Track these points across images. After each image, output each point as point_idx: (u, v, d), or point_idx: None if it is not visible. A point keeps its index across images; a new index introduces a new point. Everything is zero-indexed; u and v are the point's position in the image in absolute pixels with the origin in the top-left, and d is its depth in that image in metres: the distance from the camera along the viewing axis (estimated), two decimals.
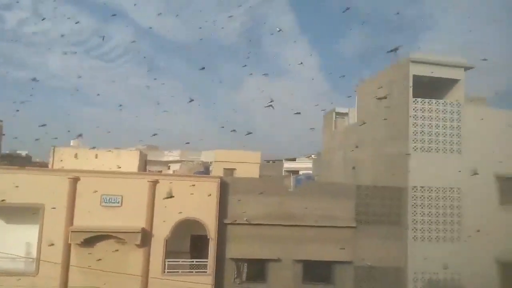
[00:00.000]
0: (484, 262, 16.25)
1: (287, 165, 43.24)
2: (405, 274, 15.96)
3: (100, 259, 14.18)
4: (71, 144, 20.65)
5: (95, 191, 14.40)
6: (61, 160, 18.13)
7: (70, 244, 14.30)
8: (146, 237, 14.64)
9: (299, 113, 15.71)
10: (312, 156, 39.22)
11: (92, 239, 14.33)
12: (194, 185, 15.05)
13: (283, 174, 38.92)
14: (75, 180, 14.64)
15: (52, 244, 13.89)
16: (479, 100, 19.45)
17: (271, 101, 13.85)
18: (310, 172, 35.04)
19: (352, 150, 21.13)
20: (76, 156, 17.60)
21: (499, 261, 16.40)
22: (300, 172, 36.79)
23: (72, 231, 14.18)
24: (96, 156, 18.00)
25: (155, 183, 15.06)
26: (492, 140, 16.85)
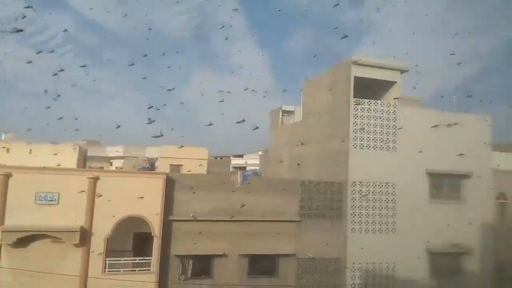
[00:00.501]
0: (416, 252, 17.52)
1: (235, 161, 43.48)
2: (344, 265, 16.77)
3: (34, 260, 13.40)
4: (3, 138, 19.19)
5: (29, 189, 13.56)
6: None
7: (0, 245, 13.37)
8: (85, 236, 14.05)
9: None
10: (260, 152, 39.75)
11: (26, 239, 13.48)
12: (139, 181, 14.68)
13: (231, 170, 39.08)
14: (7, 176, 13.67)
15: None
16: (414, 101, 20.88)
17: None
18: (257, 168, 35.51)
19: (297, 145, 21.73)
20: (8, 151, 16.39)
21: (429, 251, 17.76)
22: (248, 168, 37.15)
23: (2, 231, 13.26)
24: (31, 151, 16.90)
25: (95, 180, 14.48)
26: (425, 138, 18.15)
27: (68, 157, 17.36)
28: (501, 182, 19.67)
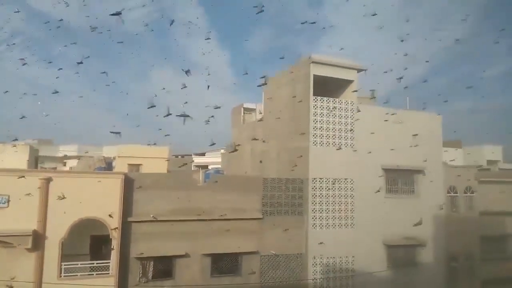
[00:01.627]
0: (373, 245, 18.17)
1: (197, 160, 42.94)
2: (306, 259, 17.09)
3: None
4: None
5: None
6: None
7: None
8: (38, 240, 13.35)
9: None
10: (222, 150, 39.54)
11: None
12: (98, 181, 14.13)
13: (193, 169, 38.57)
14: None
15: None
16: (370, 99, 21.59)
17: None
18: (219, 166, 35.31)
19: (258, 139, 21.82)
20: None
21: (386, 244, 18.49)
22: (210, 167, 36.85)
23: None
24: None
25: (48, 180, 13.78)
26: (380, 135, 18.83)
27: (18, 156, 16.38)
28: (451, 177, 20.83)
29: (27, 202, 13.30)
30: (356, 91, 18.96)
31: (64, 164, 29.97)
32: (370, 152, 18.15)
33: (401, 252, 18.92)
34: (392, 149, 18.79)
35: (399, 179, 19.65)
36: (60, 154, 30.71)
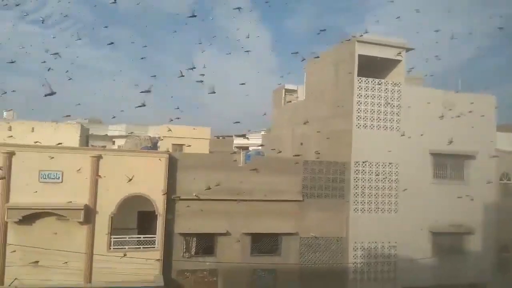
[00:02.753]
0: (418, 232, 17.62)
1: (237, 141, 43.32)
2: (346, 243, 16.92)
3: (40, 238, 13.57)
4: (4, 116, 19.11)
5: (33, 167, 13.59)
6: None
7: (6, 222, 13.51)
8: (89, 214, 14.17)
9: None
10: (262, 132, 39.59)
11: (31, 217, 13.63)
12: (142, 160, 14.66)
13: (233, 150, 39.02)
14: (10, 154, 13.69)
15: None
16: (417, 79, 20.59)
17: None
18: (260, 148, 35.46)
19: (305, 123, 21.60)
20: (10, 129, 16.34)
21: (431, 231, 17.86)
22: (250, 148, 37.10)
23: (8, 208, 13.38)
24: (33, 130, 16.85)
25: (98, 158, 14.48)
26: (428, 118, 17.98)
27: (70, 135, 17.32)
28: (505, 162, 19.59)
29: (78, 178, 14.09)
30: (411, 69, 18.01)
31: (113, 143, 31.38)
32: (419, 134, 17.36)
33: (447, 239, 18.24)
34: (441, 133, 17.90)
35: (448, 164, 18.76)
36: (109, 133, 32.15)
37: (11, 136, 15.91)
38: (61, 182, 14.02)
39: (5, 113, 18.74)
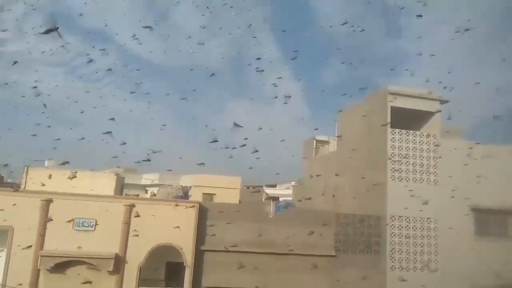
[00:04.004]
0: None
1: (268, 191, 43.01)
2: None
3: (70, 286, 13.55)
4: (46, 165, 19.98)
5: (69, 218, 13.94)
6: (34, 182, 17.46)
7: (39, 269, 13.66)
8: (119, 263, 14.13)
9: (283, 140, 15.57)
10: (292, 183, 39.20)
11: (63, 264, 13.76)
12: (176, 206, 14.72)
13: (264, 200, 38.64)
14: (48, 202, 14.14)
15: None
16: (456, 132, 20.04)
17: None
18: (290, 198, 34.93)
19: (337, 175, 21.22)
20: (50, 177, 17.00)
21: None
22: (281, 199, 36.62)
23: (42, 256, 13.59)
24: (71, 178, 17.42)
25: (131, 207, 14.68)
26: (468, 172, 17.23)
27: (106, 184, 17.78)
28: None
29: (111, 226, 14.24)
30: (434, 131, 17.62)
31: (146, 192, 31.88)
32: (458, 188, 16.60)
33: None
34: (482, 187, 17.03)
35: (490, 220, 17.64)
36: (144, 182, 32.78)
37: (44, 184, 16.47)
38: (94, 230, 14.21)
39: (46, 162, 19.62)
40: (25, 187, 17.84)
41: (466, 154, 17.30)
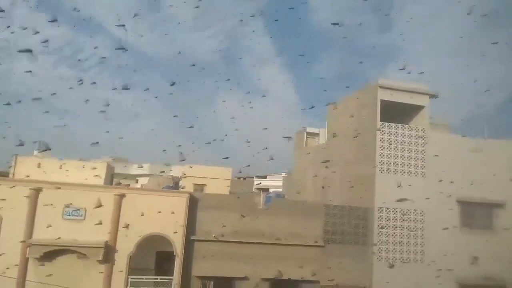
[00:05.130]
0: (445, 284, 16.68)
1: (258, 182, 43.22)
2: None
3: (59, 275, 13.57)
4: (34, 153, 19.82)
5: (58, 204, 13.89)
6: (22, 171, 17.35)
7: (27, 258, 13.64)
8: (109, 252, 14.17)
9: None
10: (283, 174, 39.45)
11: (52, 253, 13.75)
12: (163, 200, 14.77)
13: (254, 191, 38.85)
14: (37, 191, 14.07)
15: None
16: (442, 126, 20.33)
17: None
18: (280, 190, 35.16)
19: (324, 164, 21.40)
20: (39, 165, 16.90)
21: (460, 283, 16.89)
22: (271, 190, 36.85)
23: (30, 244, 13.56)
24: (61, 167, 17.35)
25: (121, 197, 14.69)
26: (455, 165, 17.54)
27: (96, 173, 17.73)
28: None
29: (101, 215, 14.24)
30: (423, 125, 17.85)
31: (137, 182, 31.83)
32: (445, 181, 16.92)
33: None
34: (468, 180, 17.38)
35: (476, 213, 18.03)
36: (134, 172, 32.71)
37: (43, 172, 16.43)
38: (84, 219, 14.21)
39: (35, 151, 19.46)
40: (13, 175, 17.73)
41: (455, 148, 17.60)
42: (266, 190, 36.18)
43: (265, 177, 45.31)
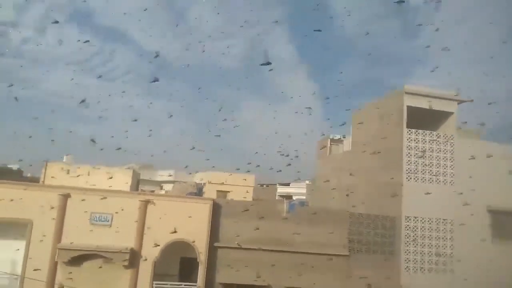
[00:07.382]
0: None
1: (281, 189, 43.00)
2: None
3: (86, 279, 13.84)
4: (64, 160, 20.43)
5: (86, 209, 14.22)
6: (53, 176, 17.90)
7: (56, 262, 13.99)
8: (134, 257, 14.35)
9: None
10: (306, 182, 39.11)
11: (79, 258, 14.04)
12: (187, 206, 14.88)
13: (277, 198, 38.64)
14: (66, 196, 14.45)
15: (38, 269, 13.50)
16: (473, 132, 19.68)
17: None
18: (304, 197, 34.84)
19: (351, 174, 21.09)
20: (68, 172, 17.40)
21: None
22: (294, 197, 36.58)
23: (59, 249, 13.91)
24: (89, 174, 17.82)
25: (146, 203, 14.89)
26: (485, 173, 16.92)
27: (123, 180, 18.11)
28: None
29: (127, 221, 14.47)
30: (451, 131, 17.31)
31: (161, 188, 32.28)
32: (473, 190, 16.32)
33: None
34: (499, 188, 16.72)
35: (508, 222, 17.29)
36: (159, 179, 33.18)
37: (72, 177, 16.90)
38: (110, 225, 14.47)
39: (64, 157, 20.05)
40: (44, 181, 18.32)
41: (484, 155, 16.98)
42: (289, 197, 35.95)
43: (288, 184, 45.02)
